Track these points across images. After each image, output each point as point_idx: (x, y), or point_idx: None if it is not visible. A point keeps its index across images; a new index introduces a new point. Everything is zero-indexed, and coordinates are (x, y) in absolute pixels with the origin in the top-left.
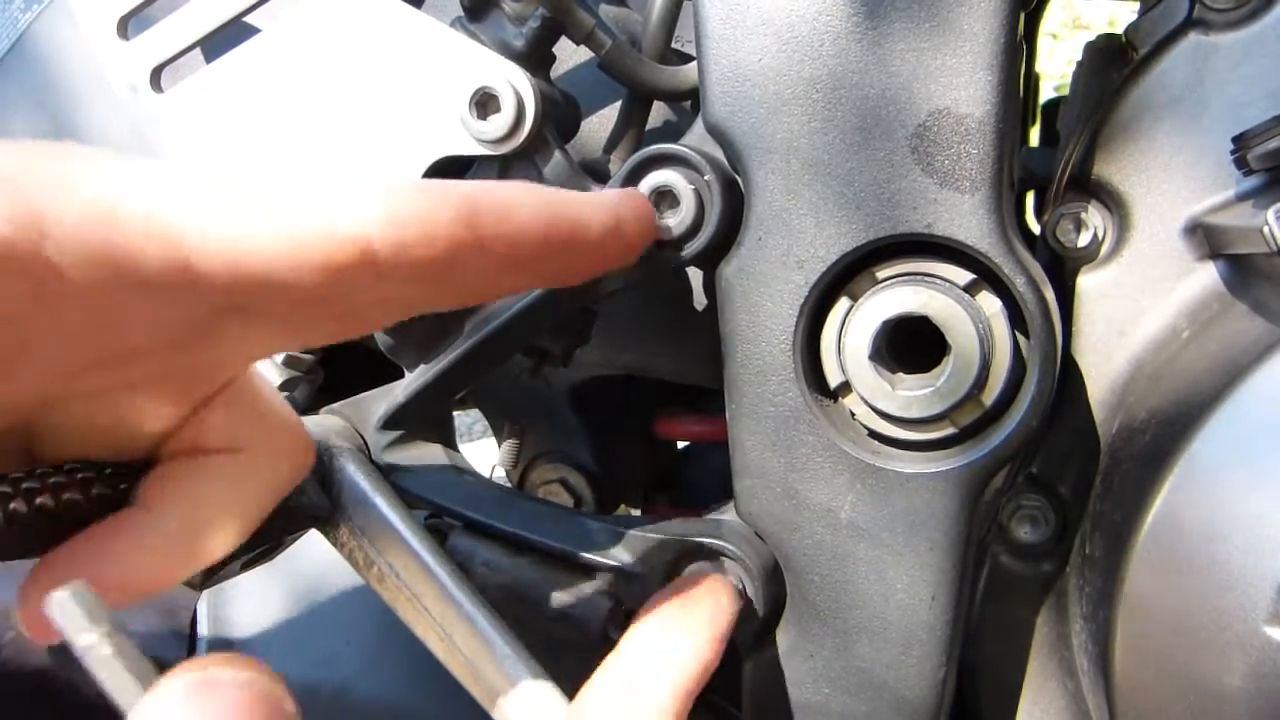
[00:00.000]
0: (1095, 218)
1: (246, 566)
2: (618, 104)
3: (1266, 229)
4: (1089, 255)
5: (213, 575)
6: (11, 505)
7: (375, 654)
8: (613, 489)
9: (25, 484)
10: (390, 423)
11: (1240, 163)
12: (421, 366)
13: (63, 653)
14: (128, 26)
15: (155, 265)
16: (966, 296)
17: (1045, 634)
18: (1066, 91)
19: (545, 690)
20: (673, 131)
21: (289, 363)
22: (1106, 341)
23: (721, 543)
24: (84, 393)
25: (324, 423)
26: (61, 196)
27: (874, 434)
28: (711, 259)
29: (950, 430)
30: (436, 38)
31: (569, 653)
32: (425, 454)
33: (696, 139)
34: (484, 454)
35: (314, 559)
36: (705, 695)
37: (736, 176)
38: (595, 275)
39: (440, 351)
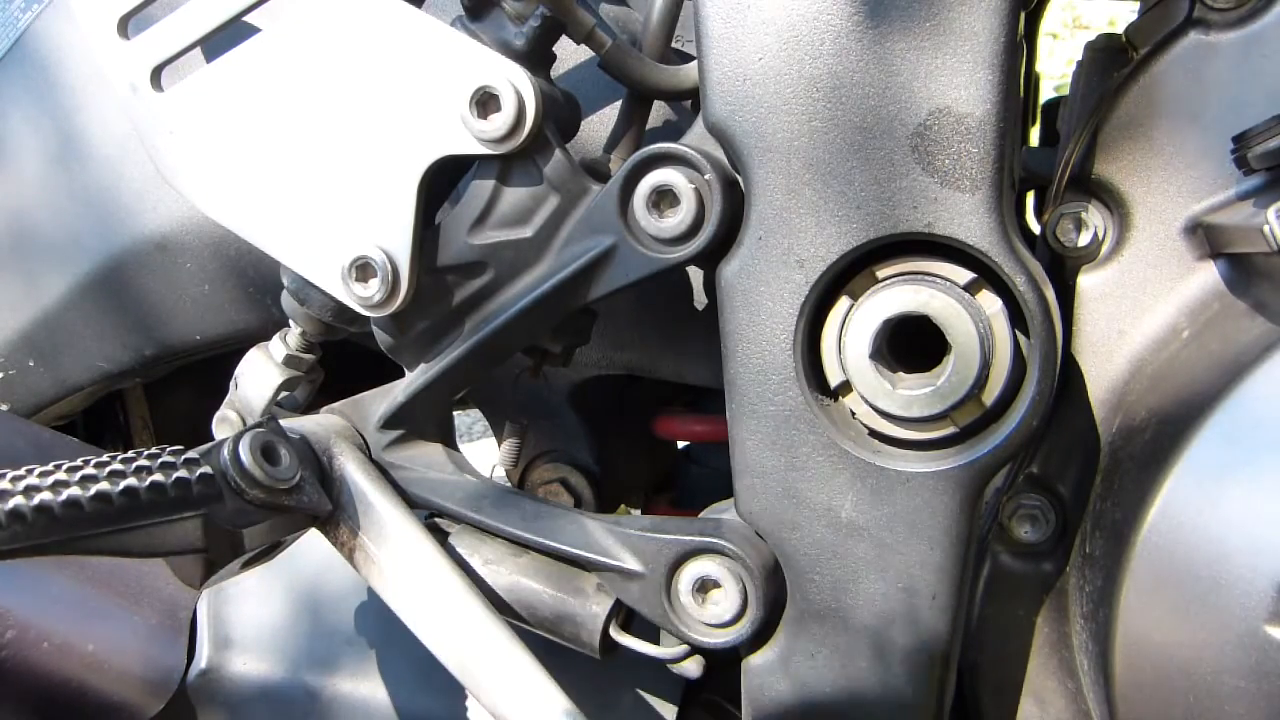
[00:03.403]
0: (1095, 217)
1: (247, 566)
2: (618, 103)
3: (1267, 228)
4: (1089, 255)
5: (212, 574)
6: (12, 502)
7: (375, 654)
8: (613, 489)
9: (26, 482)
10: (390, 422)
11: (1240, 162)
12: (421, 366)
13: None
14: (128, 26)
15: None
16: (967, 296)
17: (1045, 634)
18: (1066, 91)
19: (545, 690)
20: (673, 131)
21: (289, 362)
22: (1106, 341)
23: (721, 542)
24: None
25: (324, 422)
26: None
27: (874, 433)
28: (712, 258)
29: (951, 429)
30: (437, 37)
31: (569, 653)
32: (425, 454)
33: (697, 138)
34: (484, 454)
35: (314, 559)
36: (705, 695)
37: (737, 176)
38: None
39: (440, 351)
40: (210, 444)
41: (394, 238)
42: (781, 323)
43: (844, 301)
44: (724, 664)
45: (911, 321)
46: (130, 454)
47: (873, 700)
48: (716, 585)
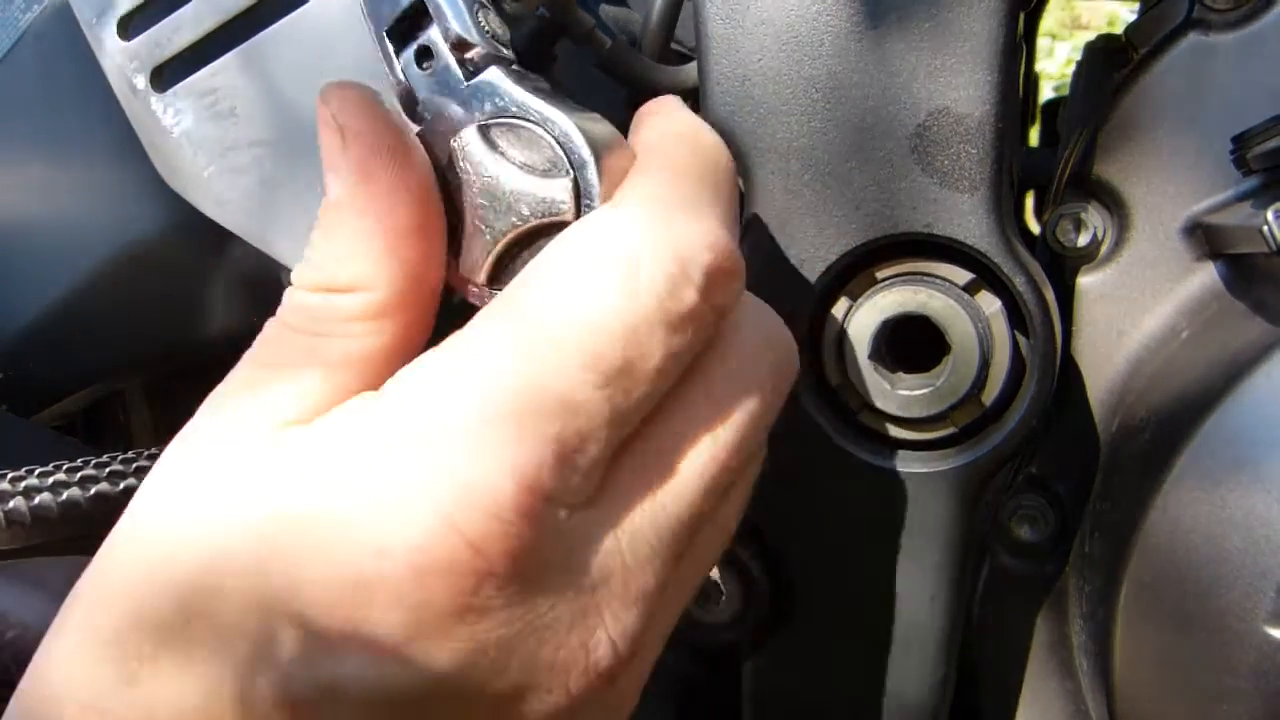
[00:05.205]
0: (1095, 218)
1: None
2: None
3: (1266, 229)
4: (1089, 255)
5: None
6: (11, 504)
7: None
8: None
9: (25, 482)
10: None
11: (1240, 163)
12: None
13: None
14: (128, 26)
15: None
16: (966, 296)
17: (1045, 634)
18: (1066, 91)
19: None
20: None
21: None
22: (1106, 341)
23: None
24: None
25: None
26: None
27: (874, 433)
28: None
29: (950, 430)
30: None
31: None
32: None
33: None
34: None
35: None
36: (705, 695)
37: (736, 176)
38: None
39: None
40: None
41: None
42: None
43: (843, 302)
44: (724, 664)
45: (911, 322)
46: (130, 454)
47: (873, 700)
48: (717, 586)
